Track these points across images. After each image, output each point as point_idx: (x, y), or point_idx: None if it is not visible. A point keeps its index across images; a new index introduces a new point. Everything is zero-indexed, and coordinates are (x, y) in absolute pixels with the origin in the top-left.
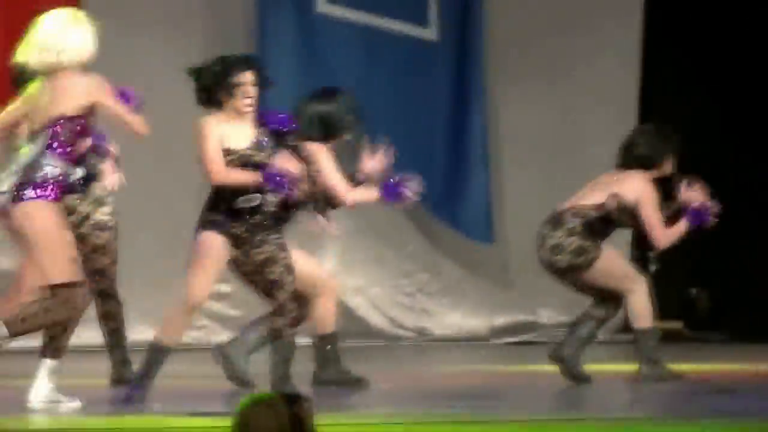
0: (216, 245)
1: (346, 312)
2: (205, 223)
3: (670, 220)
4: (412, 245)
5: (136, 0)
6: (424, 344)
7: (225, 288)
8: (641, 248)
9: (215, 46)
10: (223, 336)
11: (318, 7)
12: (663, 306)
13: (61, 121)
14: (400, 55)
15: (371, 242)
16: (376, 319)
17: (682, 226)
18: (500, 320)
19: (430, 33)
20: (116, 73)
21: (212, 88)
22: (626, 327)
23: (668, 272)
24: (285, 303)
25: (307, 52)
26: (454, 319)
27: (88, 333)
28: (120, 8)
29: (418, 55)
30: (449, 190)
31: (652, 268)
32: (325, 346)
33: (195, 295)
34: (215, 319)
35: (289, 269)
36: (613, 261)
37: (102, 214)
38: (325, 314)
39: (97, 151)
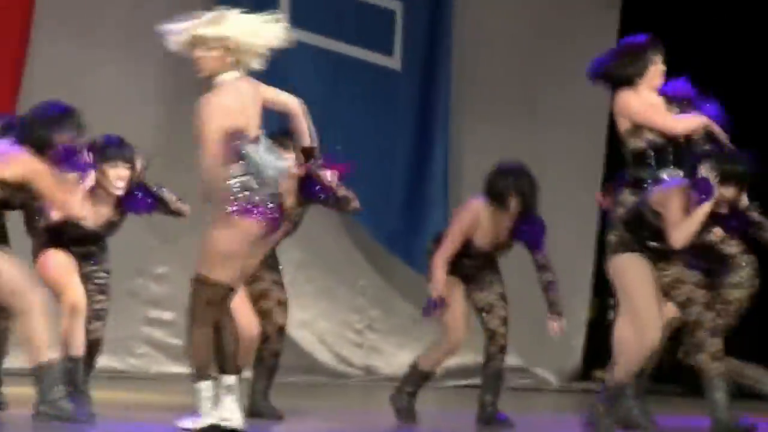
0: None
1: (291, 345)
2: None
3: None
4: (363, 279)
5: (88, 22)
6: (370, 383)
7: (167, 315)
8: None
9: (172, 69)
10: (165, 365)
11: None
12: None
13: None
14: (363, 83)
15: (321, 274)
16: (322, 355)
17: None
18: (452, 362)
19: (394, 62)
20: (76, 88)
21: None
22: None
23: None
24: None
25: (268, 75)
26: (404, 358)
27: None
28: (71, 29)
29: (381, 83)
30: (406, 224)
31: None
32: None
33: None
34: (157, 347)
35: None
36: None
37: None
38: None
39: None
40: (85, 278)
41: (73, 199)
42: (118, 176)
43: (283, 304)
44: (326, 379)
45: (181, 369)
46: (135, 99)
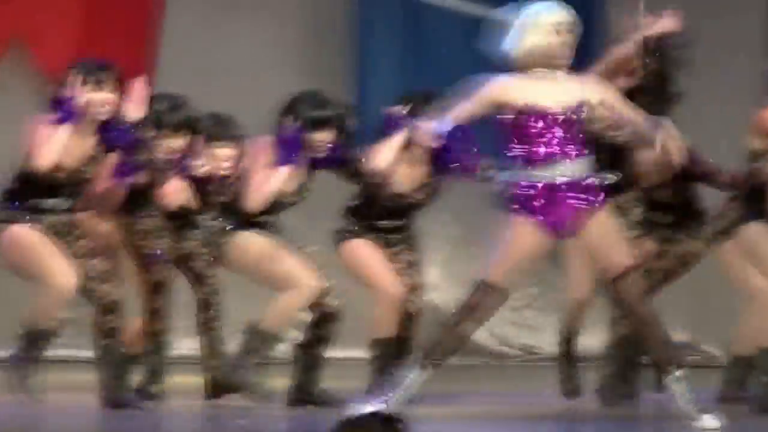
0: None
1: None
2: None
3: None
4: None
5: None
6: (530, 364)
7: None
8: None
9: (312, 35)
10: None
11: None
12: None
13: None
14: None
15: (476, 252)
16: (479, 335)
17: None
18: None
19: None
20: (211, 60)
21: None
22: None
23: None
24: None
25: (409, 42)
26: None
27: None
28: None
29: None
30: None
31: None
32: None
33: None
34: None
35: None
36: None
37: None
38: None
39: None
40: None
41: None
42: None
43: (416, 289)
44: (484, 359)
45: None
46: (274, 69)
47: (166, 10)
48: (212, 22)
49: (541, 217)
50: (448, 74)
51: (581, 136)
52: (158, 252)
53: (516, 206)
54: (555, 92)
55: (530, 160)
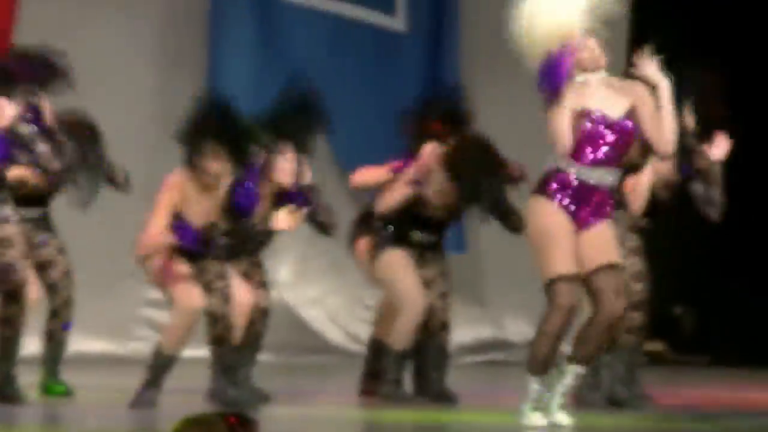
0: None
1: (300, 325)
2: None
3: None
4: None
5: None
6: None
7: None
8: None
9: (169, 29)
10: None
11: None
12: (645, 325)
13: None
14: (365, 45)
15: (329, 248)
16: (332, 334)
17: None
18: (467, 337)
19: (398, 23)
20: (69, 53)
21: None
22: None
23: (651, 289)
24: None
25: (265, 40)
26: None
27: None
28: None
29: (385, 45)
30: None
31: None
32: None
33: None
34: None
35: None
36: None
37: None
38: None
39: None
40: None
41: None
42: None
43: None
44: (338, 358)
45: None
46: (130, 60)
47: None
48: (68, 15)
49: (572, 207)
50: (303, 74)
51: (627, 144)
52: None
53: (548, 191)
54: (609, 98)
55: (576, 158)
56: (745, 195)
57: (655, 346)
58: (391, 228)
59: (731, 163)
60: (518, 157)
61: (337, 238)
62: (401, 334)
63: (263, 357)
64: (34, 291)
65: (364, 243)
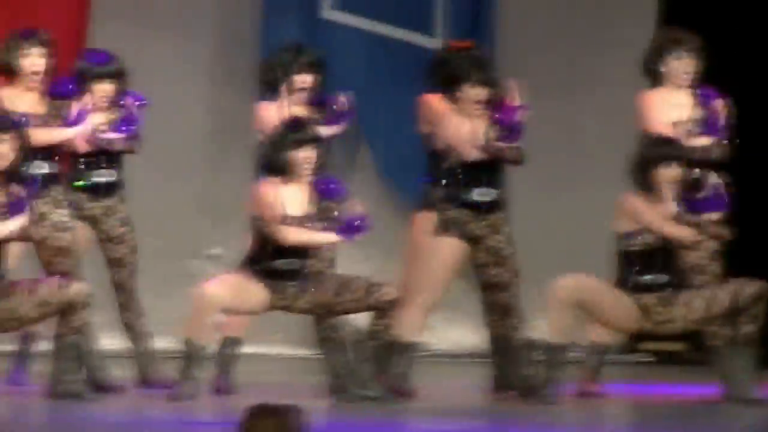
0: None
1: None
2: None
3: None
4: None
5: (145, 3)
6: (421, 360)
7: None
8: None
9: (222, 50)
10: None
11: (323, 12)
12: None
13: None
14: (404, 65)
15: (369, 250)
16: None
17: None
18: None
19: (435, 42)
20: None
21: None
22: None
23: None
24: None
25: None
26: (454, 334)
27: None
28: (129, 10)
29: (423, 64)
30: None
31: None
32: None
33: None
34: None
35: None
36: None
37: (60, 215)
38: None
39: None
40: None
41: None
42: None
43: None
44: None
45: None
46: (186, 78)
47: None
48: (134, 29)
49: None
50: (344, 91)
51: None
52: None
53: None
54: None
55: None
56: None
57: (674, 346)
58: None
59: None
60: (550, 176)
61: (373, 240)
62: (411, 325)
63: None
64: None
65: (423, 219)
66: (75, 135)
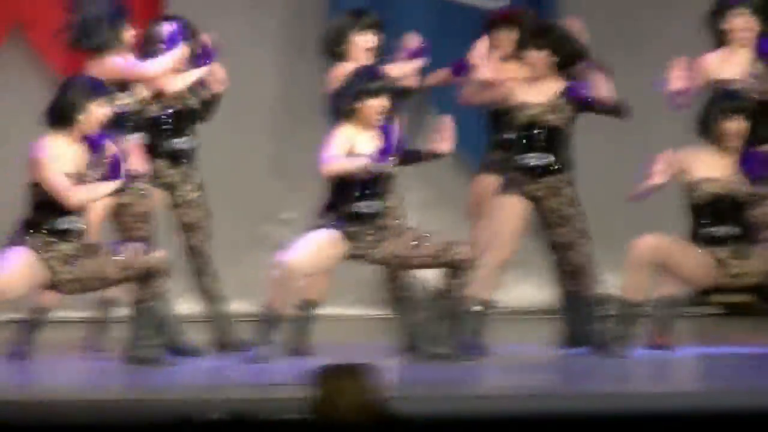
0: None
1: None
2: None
3: None
4: None
5: None
6: (493, 317)
7: None
8: None
9: (293, 20)
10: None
11: None
12: None
13: None
14: (470, 27)
15: (446, 213)
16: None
17: None
18: None
19: (501, 3)
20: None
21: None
22: None
23: None
24: None
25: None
26: (524, 291)
27: None
28: None
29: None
30: None
31: None
32: None
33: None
34: None
35: None
36: None
37: (140, 182)
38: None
39: None
40: None
41: None
42: None
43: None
44: None
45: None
46: (257, 49)
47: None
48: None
49: None
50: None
51: None
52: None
53: None
54: None
55: None
56: None
57: (741, 297)
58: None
59: None
60: (613, 130)
61: (452, 202)
62: (483, 283)
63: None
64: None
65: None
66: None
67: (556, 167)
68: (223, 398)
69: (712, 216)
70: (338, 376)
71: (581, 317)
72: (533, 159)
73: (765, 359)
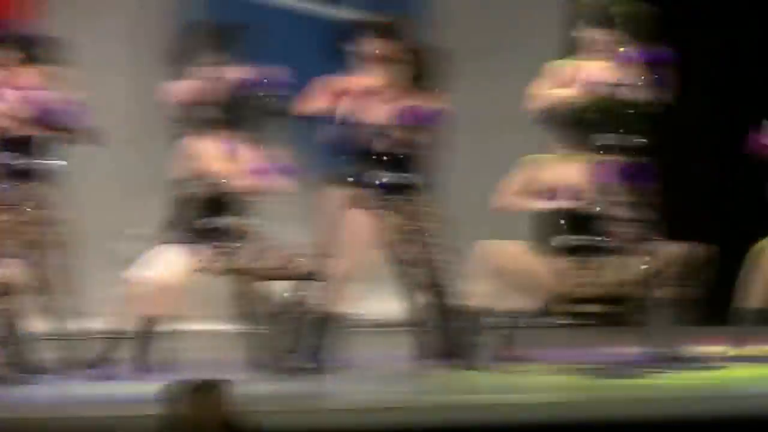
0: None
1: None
2: None
3: None
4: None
5: None
6: (345, 330)
7: None
8: None
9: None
10: None
11: None
12: None
13: None
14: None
15: (288, 225)
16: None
17: None
18: None
19: (344, 12)
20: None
21: None
22: None
23: None
24: None
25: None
26: (380, 303)
27: None
28: None
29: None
30: None
31: None
32: None
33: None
34: None
35: None
36: None
37: None
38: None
39: None
40: None
41: None
42: None
43: None
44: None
45: None
46: (102, 65)
47: None
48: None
49: None
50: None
51: None
52: None
53: None
54: None
55: None
56: None
57: (592, 308)
58: None
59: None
60: (481, 138)
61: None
62: (332, 296)
63: None
64: None
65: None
66: None
67: (406, 183)
68: (73, 417)
69: (560, 227)
70: (194, 393)
71: (434, 328)
72: (383, 175)
73: (615, 366)
